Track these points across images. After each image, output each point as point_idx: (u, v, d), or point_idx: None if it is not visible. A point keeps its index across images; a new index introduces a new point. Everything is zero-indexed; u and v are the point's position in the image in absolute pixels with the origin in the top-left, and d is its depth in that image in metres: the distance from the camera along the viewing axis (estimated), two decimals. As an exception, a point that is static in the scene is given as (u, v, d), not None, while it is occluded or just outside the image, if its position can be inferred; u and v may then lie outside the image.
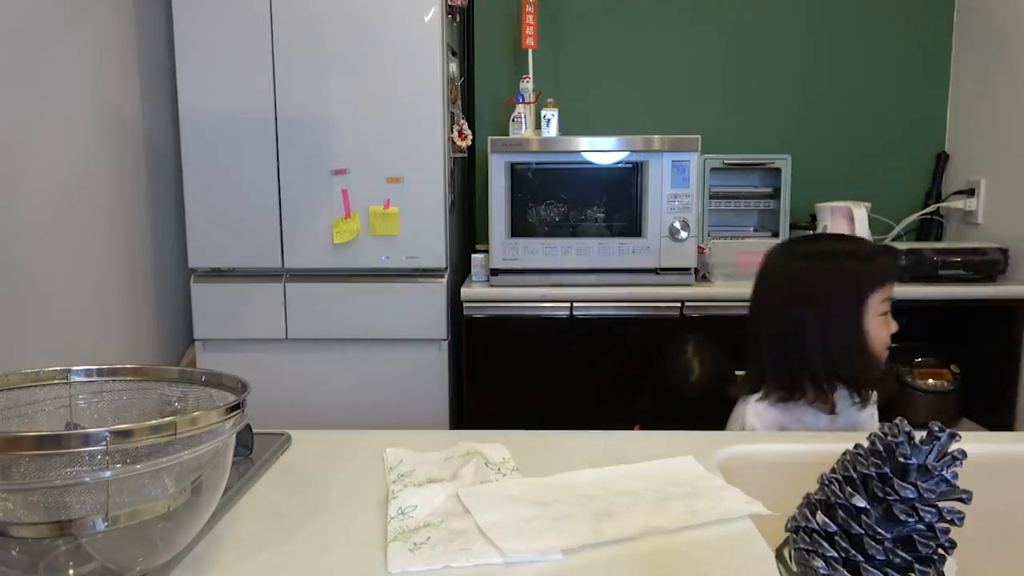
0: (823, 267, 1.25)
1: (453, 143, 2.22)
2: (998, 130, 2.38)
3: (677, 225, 2.13)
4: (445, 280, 2.14)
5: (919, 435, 0.49)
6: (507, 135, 2.32)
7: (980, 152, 2.48)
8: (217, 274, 2.16)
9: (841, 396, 1.23)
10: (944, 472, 0.47)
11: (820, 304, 1.22)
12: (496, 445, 0.98)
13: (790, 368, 1.23)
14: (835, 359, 1.20)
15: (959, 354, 2.21)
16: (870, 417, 1.29)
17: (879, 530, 0.47)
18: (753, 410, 1.24)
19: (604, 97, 2.67)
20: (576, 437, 1.03)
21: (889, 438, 0.49)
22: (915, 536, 0.47)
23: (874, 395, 1.26)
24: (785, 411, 1.24)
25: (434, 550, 0.71)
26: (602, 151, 2.14)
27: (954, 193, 2.52)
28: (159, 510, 0.62)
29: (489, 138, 2.14)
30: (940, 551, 0.47)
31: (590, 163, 2.15)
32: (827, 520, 0.49)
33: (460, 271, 2.41)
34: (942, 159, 2.63)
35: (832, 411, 1.23)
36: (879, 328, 1.21)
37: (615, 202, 2.16)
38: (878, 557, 0.46)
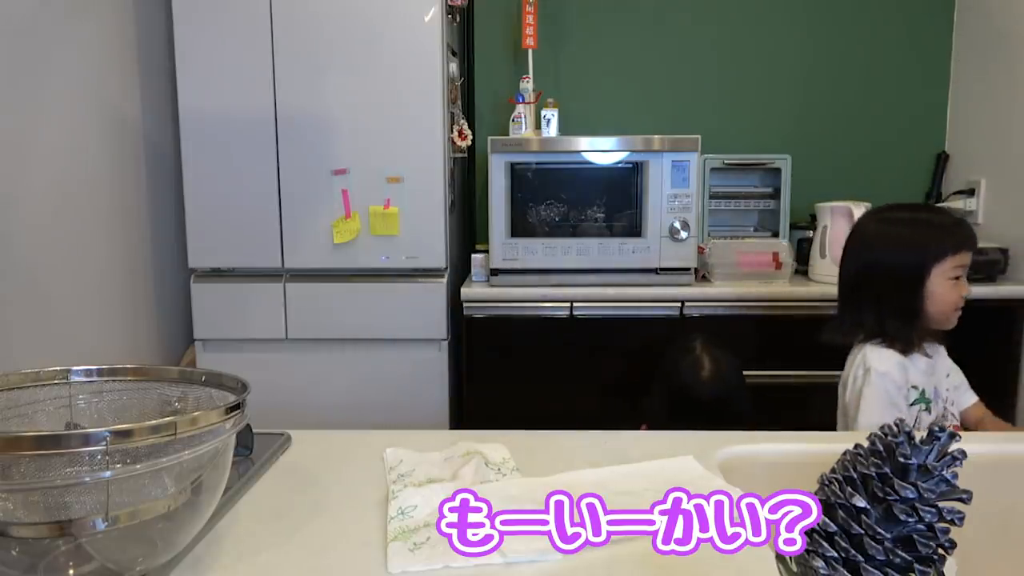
0: (895, 231, 1.40)
1: (453, 143, 2.22)
2: (998, 130, 2.38)
3: (677, 225, 2.13)
4: (445, 280, 2.14)
5: (919, 435, 0.49)
6: (507, 135, 2.32)
7: (980, 152, 2.48)
8: (217, 274, 2.16)
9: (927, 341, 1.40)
10: (944, 472, 0.47)
11: (883, 264, 1.38)
12: (496, 445, 0.98)
13: (856, 317, 1.41)
14: (884, 314, 1.37)
15: (959, 354, 2.21)
16: (945, 355, 1.47)
17: (879, 530, 0.47)
18: (874, 353, 1.37)
19: (604, 97, 2.67)
20: (576, 437, 1.03)
21: (889, 438, 0.49)
22: (915, 536, 0.47)
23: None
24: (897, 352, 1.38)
25: (434, 550, 0.71)
26: (602, 151, 2.14)
27: (954, 193, 2.52)
28: (159, 510, 0.62)
29: (489, 138, 2.14)
30: (940, 551, 0.47)
31: (590, 163, 2.15)
32: (827, 520, 0.49)
33: (460, 271, 2.41)
34: (942, 159, 2.63)
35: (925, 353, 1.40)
36: (947, 292, 1.36)
37: (615, 202, 2.16)
38: (878, 557, 0.46)
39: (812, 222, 2.40)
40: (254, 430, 0.98)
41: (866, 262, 1.42)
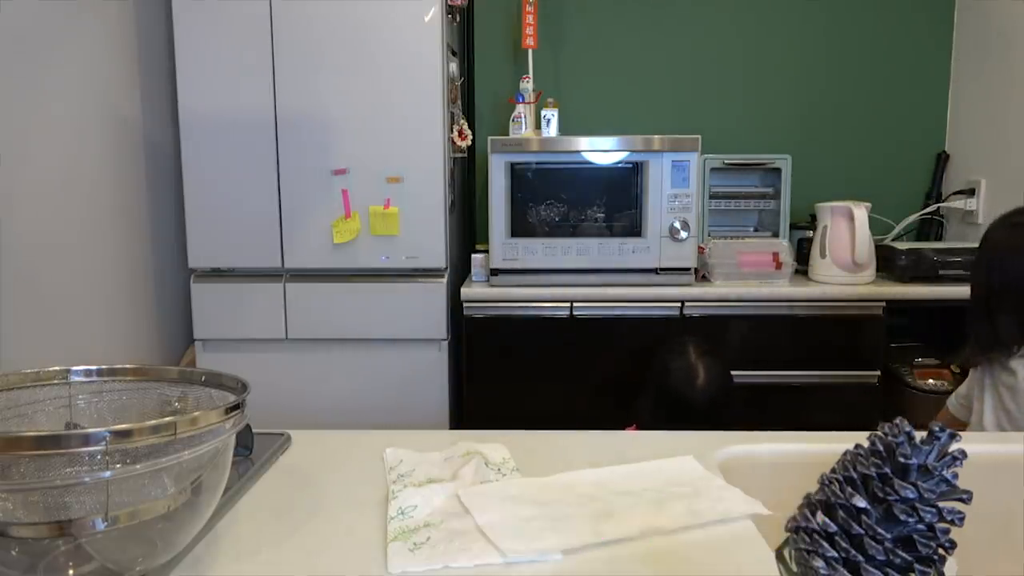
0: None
1: (453, 143, 2.22)
2: (998, 130, 2.38)
3: (677, 225, 2.13)
4: (445, 280, 2.14)
5: (919, 435, 0.49)
6: (507, 135, 2.32)
7: (980, 152, 2.48)
8: (217, 274, 2.16)
9: None
10: (944, 472, 0.47)
11: (1017, 273, 1.29)
12: (496, 445, 0.98)
13: (995, 332, 1.31)
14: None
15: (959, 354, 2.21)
16: None
17: (879, 530, 0.47)
18: None
19: (604, 97, 2.67)
20: (576, 437, 1.03)
21: (889, 438, 0.49)
22: (915, 536, 0.47)
23: None
24: None
25: (434, 550, 0.71)
26: (602, 151, 2.14)
27: (954, 193, 2.52)
28: (159, 510, 0.62)
29: (489, 138, 2.14)
30: (940, 551, 0.47)
31: (590, 163, 2.15)
32: (827, 520, 0.49)
33: (460, 271, 2.41)
34: (942, 159, 2.63)
35: None
36: None
37: (615, 202, 2.16)
38: (878, 557, 0.46)
39: (812, 222, 2.40)
40: (254, 430, 0.98)
41: (1001, 273, 1.33)
